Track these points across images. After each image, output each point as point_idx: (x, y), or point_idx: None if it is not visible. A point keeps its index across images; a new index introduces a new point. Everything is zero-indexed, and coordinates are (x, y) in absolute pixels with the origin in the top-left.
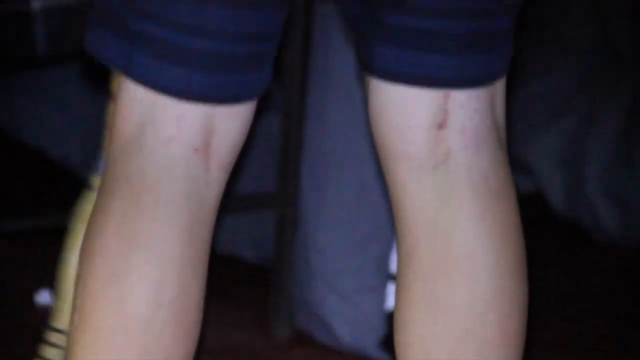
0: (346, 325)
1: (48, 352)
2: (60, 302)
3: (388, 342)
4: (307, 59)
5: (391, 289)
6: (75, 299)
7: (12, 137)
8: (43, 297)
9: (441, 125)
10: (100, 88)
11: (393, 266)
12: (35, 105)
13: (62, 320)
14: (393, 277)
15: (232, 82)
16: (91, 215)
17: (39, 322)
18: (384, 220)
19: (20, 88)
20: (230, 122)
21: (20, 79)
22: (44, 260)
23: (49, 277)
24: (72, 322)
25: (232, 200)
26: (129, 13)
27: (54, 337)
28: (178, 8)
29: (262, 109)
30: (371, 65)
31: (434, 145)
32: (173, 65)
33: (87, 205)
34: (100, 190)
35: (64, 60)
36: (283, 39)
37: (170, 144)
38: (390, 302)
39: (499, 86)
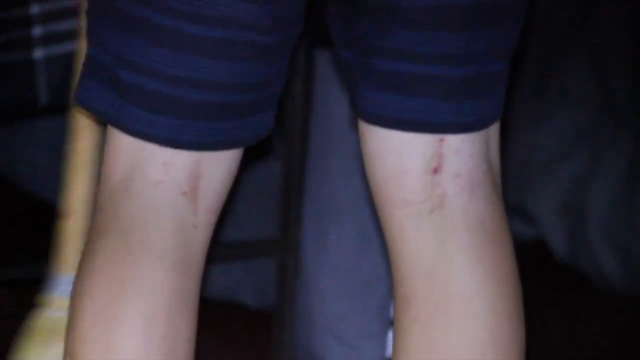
0: None
1: None
2: None
3: None
4: (308, 105)
5: (392, 335)
6: (66, 342)
7: (11, 183)
8: None
9: (436, 170)
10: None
11: None
12: (35, 153)
13: None
14: None
15: (226, 129)
16: (81, 258)
17: None
18: (385, 266)
19: (21, 136)
20: (216, 166)
21: (21, 127)
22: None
23: None
24: None
25: (234, 247)
26: (120, 66)
27: None
28: (169, 60)
29: (263, 154)
30: (365, 111)
31: (429, 190)
32: (165, 116)
33: (37, 325)
34: (89, 234)
35: (65, 109)
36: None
37: (158, 187)
38: (391, 349)
39: (494, 130)
